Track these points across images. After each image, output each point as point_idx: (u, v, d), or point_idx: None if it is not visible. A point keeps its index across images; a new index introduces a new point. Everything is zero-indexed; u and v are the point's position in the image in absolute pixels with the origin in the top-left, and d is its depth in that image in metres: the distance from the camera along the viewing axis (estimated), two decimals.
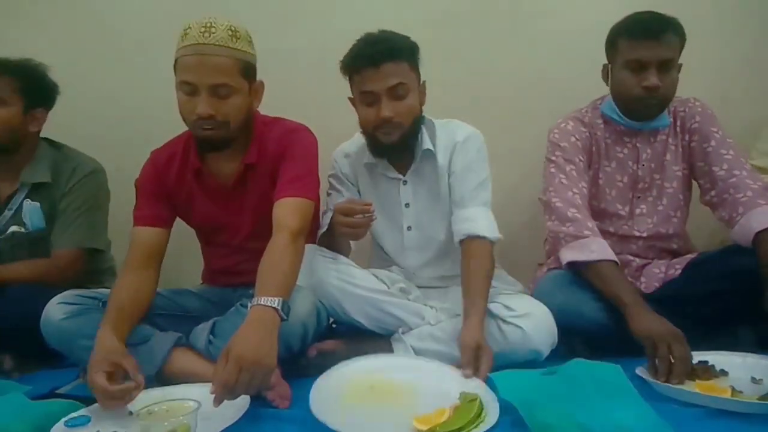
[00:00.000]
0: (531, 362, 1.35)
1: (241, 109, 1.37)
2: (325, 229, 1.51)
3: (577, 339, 1.46)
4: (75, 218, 1.70)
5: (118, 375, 1.14)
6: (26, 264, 1.65)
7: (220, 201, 1.49)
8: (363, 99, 1.47)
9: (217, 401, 1.04)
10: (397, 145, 1.50)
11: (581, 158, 1.61)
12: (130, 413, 1.10)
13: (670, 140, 1.62)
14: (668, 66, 1.49)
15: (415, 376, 1.21)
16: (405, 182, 1.59)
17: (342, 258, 1.50)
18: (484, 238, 1.45)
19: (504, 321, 1.35)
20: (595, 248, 1.46)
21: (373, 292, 1.44)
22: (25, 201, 1.69)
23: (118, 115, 2.12)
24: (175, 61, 1.34)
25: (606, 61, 1.62)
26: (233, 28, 1.33)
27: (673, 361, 1.18)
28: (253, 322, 1.12)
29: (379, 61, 1.42)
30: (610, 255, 1.45)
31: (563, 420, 0.98)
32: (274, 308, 1.14)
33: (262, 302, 1.14)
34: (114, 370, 1.14)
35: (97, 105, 2.12)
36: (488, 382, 1.17)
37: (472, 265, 1.42)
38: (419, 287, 1.57)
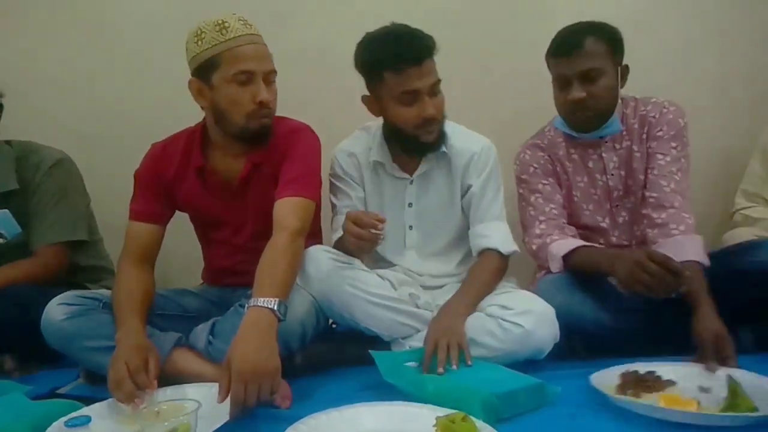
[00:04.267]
0: (531, 361, 1.34)
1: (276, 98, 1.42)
2: (341, 233, 1.46)
3: (577, 339, 1.46)
4: (48, 212, 1.66)
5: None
6: (10, 267, 1.60)
7: (224, 200, 1.48)
8: (403, 98, 1.42)
9: (234, 419, 1.04)
10: (435, 143, 1.50)
11: (545, 182, 1.62)
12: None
13: (634, 147, 1.59)
14: (591, 75, 1.47)
15: (381, 422, 1.06)
16: (411, 182, 1.58)
17: (357, 263, 1.45)
18: (494, 249, 1.49)
19: (504, 320, 1.33)
20: (556, 250, 1.49)
21: (385, 300, 1.41)
22: None
23: (118, 115, 2.12)
24: (217, 56, 1.32)
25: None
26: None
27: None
28: (249, 325, 1.12)
29: (422, 58, 1.40)
30: (569, 246, 1.47)
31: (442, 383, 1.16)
32: (271, 309, 1.14)
33: (259, 303, 1.14)
34: (139, 363, 1.15)
35: (96, 105, 2.12)
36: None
37: (474, 270, 1.49)
38: (424, 288, 1.55)
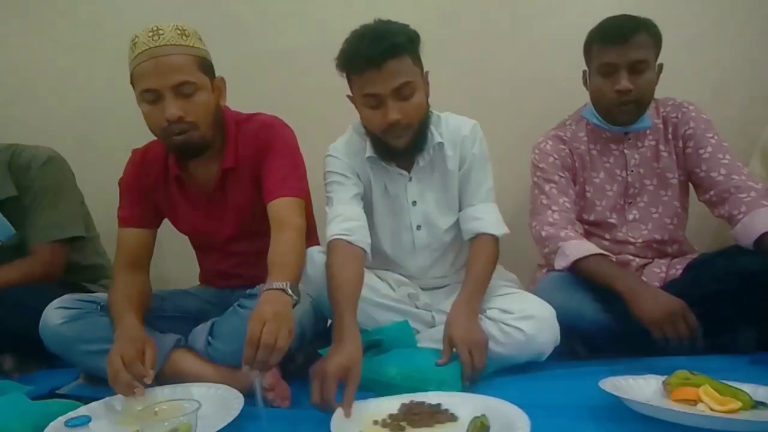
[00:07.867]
0: (531, 363, 1.34)
1: (209, 106, 1.33)
2: (332, 236, 1.43)
3: (576, 339, 1.46)
4: (42, 211, 1.65)
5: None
6: (9, 267, 1.60)
7: (202, 207, 1.47)
8: (366, 101, 1.38)
9: (248, 362, 1.01)
10: (409, 148, 1.44)
11: (562, 174, 1.62)
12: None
13: (661, 147, 1.61)
14: (640, 67, 1.49)
15: None
16: (410, 179, 1.51)
17: None
18: (491, 235, 1.46)
19: (505, 324, 1.33)
20: (570, 251, 1.48)
21: (385, 300, 1.42)
22: None
23: (116, 115, 2.12)
24: (131, 75, 1.30)
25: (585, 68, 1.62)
26: (180, 27, 1.31)
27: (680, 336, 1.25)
28: (265, 300, 1.09)
29: (381, 60, 1.31)
30: (586, 251, 1.46)
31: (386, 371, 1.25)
32: (283, 290, 1.12)
33: (273, 287, 1.12)
34: (133, 354, 1.14)
35: (96, 105, 2.12)
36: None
37: (473, 261, 1.44)
38: (423, 289, 1.55)
